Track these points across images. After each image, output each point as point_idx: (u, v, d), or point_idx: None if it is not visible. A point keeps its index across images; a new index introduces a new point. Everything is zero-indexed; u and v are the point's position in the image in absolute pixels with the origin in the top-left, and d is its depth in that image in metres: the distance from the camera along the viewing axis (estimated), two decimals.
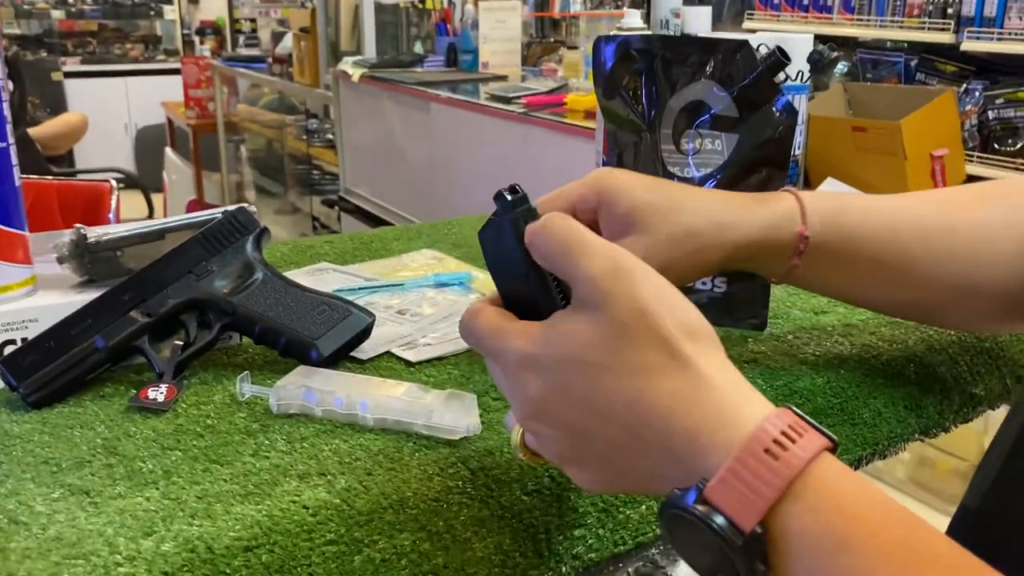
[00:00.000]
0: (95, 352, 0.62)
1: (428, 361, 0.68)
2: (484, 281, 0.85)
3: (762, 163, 0.72)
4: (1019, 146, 2.72)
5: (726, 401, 0.40)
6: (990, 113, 2.78)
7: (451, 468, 0.53)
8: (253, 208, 0.73)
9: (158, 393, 0.60)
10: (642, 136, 0.77)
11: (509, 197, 0.46)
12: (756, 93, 0.70)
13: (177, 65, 5.47)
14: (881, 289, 0.61)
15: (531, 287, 0.46)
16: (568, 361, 0.42)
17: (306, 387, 0.59)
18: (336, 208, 3.52)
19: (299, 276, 0.86)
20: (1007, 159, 2.68)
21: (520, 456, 0.49)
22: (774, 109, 0.70)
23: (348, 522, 0.49)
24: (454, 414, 0.56)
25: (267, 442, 0.56)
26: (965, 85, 2.85)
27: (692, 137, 0.74)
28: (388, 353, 0.69)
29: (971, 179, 2.62)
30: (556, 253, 0.44)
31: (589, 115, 1.95)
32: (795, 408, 0.40)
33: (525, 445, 0.48)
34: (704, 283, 0.75)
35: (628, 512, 0.55)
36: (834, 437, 0.39)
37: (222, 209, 0.72)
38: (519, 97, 2.17)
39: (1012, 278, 0.60)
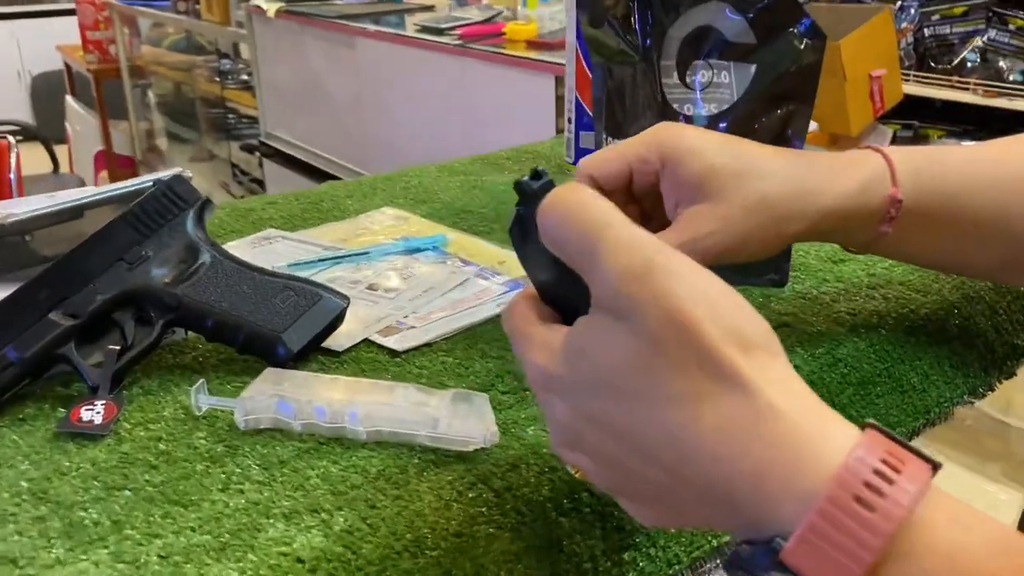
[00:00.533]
0: (9, 366, 0.50)
1: (416, 348, 0.58)
2: (461, 244, 0.74)
3: (784, 97, 0.62)
4: (955, 63, 2.69)
5: (797, 431, 0.31)
6: (926, 30, 2.74)
7: (471, 491, 0.44)
8: (188, 174, 0.61)
9: (94, 413, 0.49)
10: (636, 68, 0.67)
11: (534, 185, 0.37)
12: (776, 15, 0.61)
13: (71, 5, 5.09)
14: (980, 252, 0.52)
15: (569, 288, 0.36)
16: (592, 385, 0.33)
17: (279, 396, 0.48)
18: (257, 154, 3.33)
19: (243, 248, 0.74)
20: (943, 76, 2.66)
21: (573, 473, 0.42)
22: (797, 32, 0.61)
23: (356, 575, 0.39)
24: (464, 420, 0.47)
25: (238, 470, 0.45)
26: (900, 2, 2.80)
27: (700, 69, 0.64)
28: (366, 341, 0.58)
29: (908, 98, 2.60)
30: (570, 242, 0.34)
31: (531, 45, 1.84)
32: (882, 426, 0.31)
33: None
34: None
35: None
36: (935, 460, 0.30)
37: (152, 177, 0.60)
38: (452, 28, 2.03)
39: None
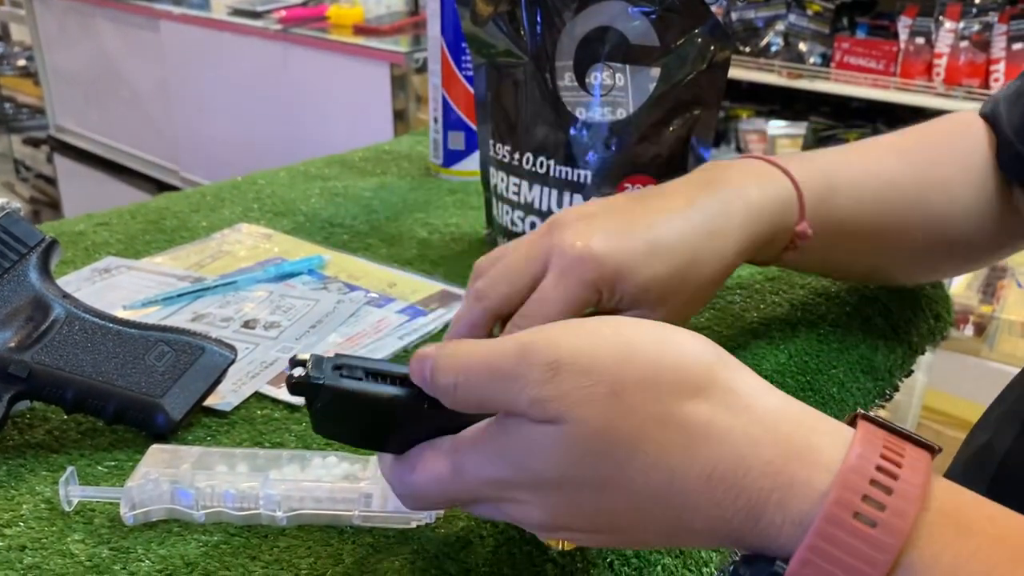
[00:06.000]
0: None
1: None
2: (340, 264, 0.67)
3: (689, 102, 0.59)
4: (760, 46, 2.82)
5: (783, 454, 0.29)
6: (733, 15, 2.85)
7: None
8: (16, 205, 0.51)
9: None
10: (524, 69, 0.62)
11: (316, 376, 0.33)
12: (681, 16, 0.58)
13: None
14: (857, 263, 0.59)
15: (425, 423, 0.34)
16: (555, 482, 0.31)
17: (175, 482, 0.40)
18: (45, 148, 3.03)
19: (79, 284, 0.64)
20: (749, 59, 2.78)
21: (556, 547, 0.38)
22: (702, 34, 0.58)
23: None
24: None
25: None
26: None
27: (598, 71, 0.60)
28: (256, 395, 0.51)
29: None
30: (485, 393, 0.32)
31: (358, 30, 1.74)
32: (874, 417, 0.30)
33: None
34: None
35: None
36: (933, 444, 0.30)
37: None
38: (270, 11, 1.90)
39: (975, 228, 0.58)
